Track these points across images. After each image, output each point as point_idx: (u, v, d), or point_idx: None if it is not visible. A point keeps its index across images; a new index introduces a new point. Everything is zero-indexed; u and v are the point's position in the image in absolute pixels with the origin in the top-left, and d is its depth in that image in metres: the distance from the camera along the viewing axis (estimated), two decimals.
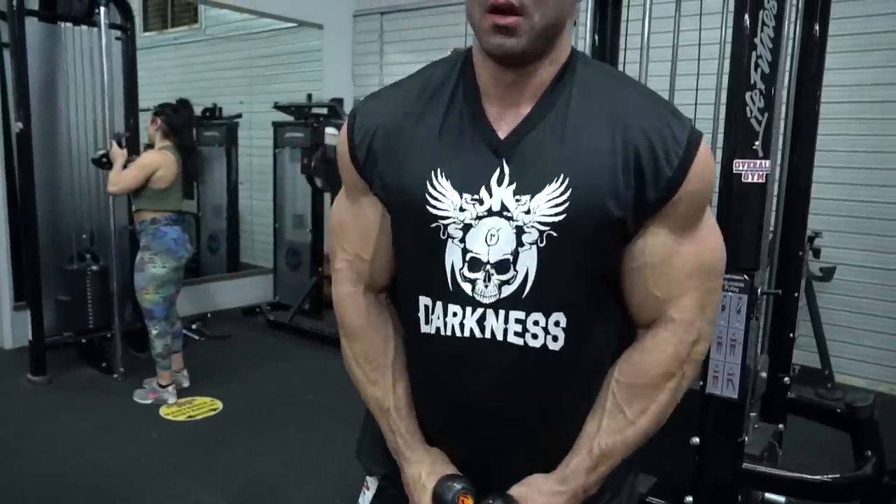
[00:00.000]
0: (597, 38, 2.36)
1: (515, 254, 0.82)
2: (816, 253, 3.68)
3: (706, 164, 0.84)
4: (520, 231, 0.82)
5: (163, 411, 3.41)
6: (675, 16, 2.50)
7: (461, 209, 0.83)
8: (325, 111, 5.05)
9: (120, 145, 3.49)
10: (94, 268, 3.97)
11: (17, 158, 3.73)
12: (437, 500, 0.87)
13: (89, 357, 4.00)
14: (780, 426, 2.01)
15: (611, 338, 0.90)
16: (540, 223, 0.81)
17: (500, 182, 0.83)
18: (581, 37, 2.08)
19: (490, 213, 0.82)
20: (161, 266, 3.36)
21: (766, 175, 1.45)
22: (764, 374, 1.86)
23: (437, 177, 0.85)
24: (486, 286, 0.83)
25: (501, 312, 0.83)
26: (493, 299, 0.83)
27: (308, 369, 4.15)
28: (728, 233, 1.55)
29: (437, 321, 0.87)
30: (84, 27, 3.91)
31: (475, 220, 0.83)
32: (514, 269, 0.82)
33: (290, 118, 5.27)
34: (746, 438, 1.63)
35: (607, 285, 0.87)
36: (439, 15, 5.43)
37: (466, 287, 0.84)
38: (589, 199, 0.80)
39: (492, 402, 0.87)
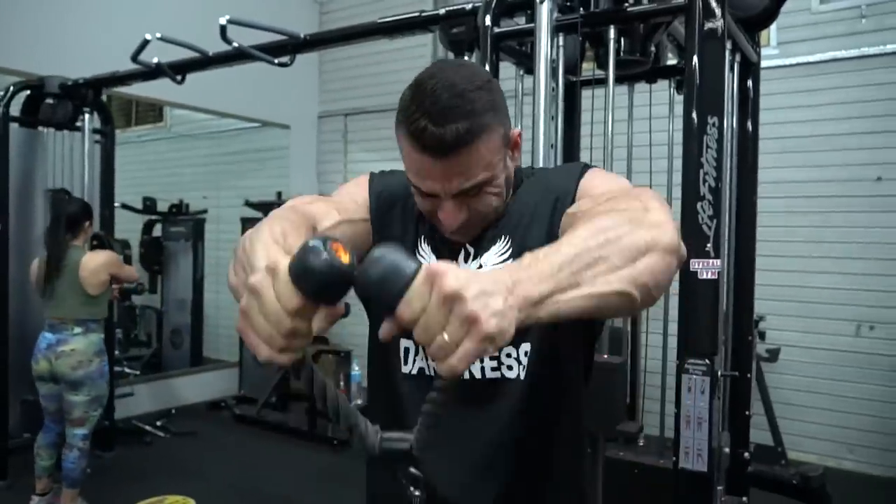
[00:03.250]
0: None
1: None
2: (762, 335, 3.95)
3: (599, 171, 1.00)
4: None
5: None
6: (629, 124, 2.82)
7: None
8: None
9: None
10: None
11: None
12: (299, 255, 0.64)
13: None
14: (744, 499, 2.17)
15: (581, 373, 1.01)
16: (491, 266, 0.96)
17: (465, 259, 0.99)
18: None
19: None
20: None
21: (718, 272, 1.69)
22: (727, 450, 2.03)
23: (421, 244, 1.02)
24: None
25: None
26: None
27: (279, 463, 4.13)
28: (689, 323, 1.78)
29: (420, 361, 0.98)
30: (66, 132, 4.07)
31: None
32: None
33: (259, 214, 5.45)
34: None
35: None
36: None
37: None
38: (529, 242, 0.94)
39: (471, 435, 0.96)
